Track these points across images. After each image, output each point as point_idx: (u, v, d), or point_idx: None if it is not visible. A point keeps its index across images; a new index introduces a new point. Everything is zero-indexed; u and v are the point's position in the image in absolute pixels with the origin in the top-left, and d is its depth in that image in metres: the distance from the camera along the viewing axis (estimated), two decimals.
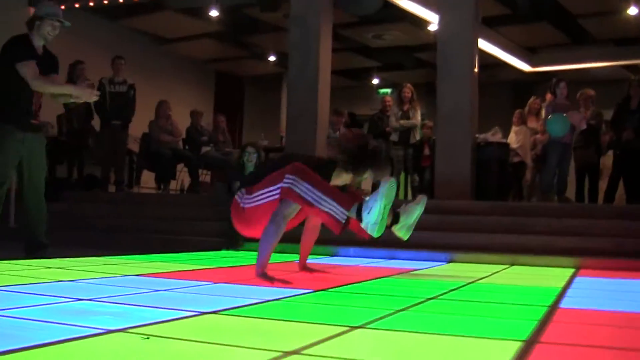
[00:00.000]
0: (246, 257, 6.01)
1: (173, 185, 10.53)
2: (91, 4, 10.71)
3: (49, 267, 4.30)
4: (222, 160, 9.89)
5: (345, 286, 3.81)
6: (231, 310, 2.68)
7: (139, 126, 10.15)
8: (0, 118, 5.19)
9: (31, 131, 5.30)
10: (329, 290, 3.55)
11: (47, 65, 5.38)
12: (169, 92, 10.64)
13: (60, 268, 4.26)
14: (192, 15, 11.72)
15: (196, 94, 14.56)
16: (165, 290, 3.32)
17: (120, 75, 9.74)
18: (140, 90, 10.02)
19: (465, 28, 8.54)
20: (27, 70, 5.13)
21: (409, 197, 10.54)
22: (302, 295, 3.25)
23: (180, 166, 10.27)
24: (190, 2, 10.98)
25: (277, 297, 3.12)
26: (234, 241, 6.98)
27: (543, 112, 9.52)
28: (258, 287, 3.54)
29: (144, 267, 4.61)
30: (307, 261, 4.60)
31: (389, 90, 15.24)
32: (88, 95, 5.35)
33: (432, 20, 9.54)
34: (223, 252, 6.65)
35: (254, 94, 16.57)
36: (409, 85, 10.12)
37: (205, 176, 11.22)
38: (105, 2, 10.58)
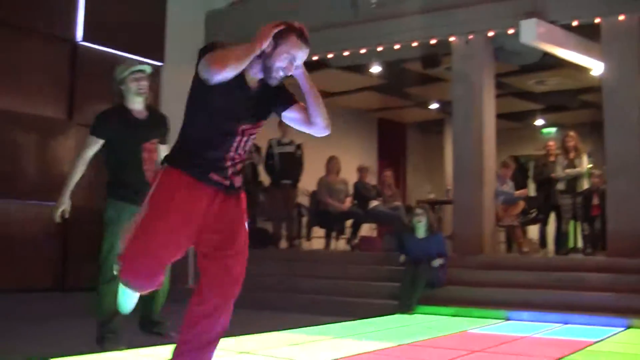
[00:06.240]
0: (421, 325, 6.14)
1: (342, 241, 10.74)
2: None
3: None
4: (390, 215, 10.02)
5: None
6: None
7: (308, 183, 10.55)
8: (113, 196, 4.80)
9: None
10: None
11: (152, 128, 4.94)
12: (334, 144, 10.80)
13: (244, 352, 4.57)
14: (354, 71, 12.06)
15: (360, 142, 14.88)
16: None
17: (288, 135, 10.05)
18: (307, 146, 10.38)
19: (630, 77, 8.26)
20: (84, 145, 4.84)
21: (579, 245, 10.30)
22: None
23: (349, 222, 10.50)
24: (352, 60, 11.31)
25: None
26: (405, 304, 7.13)
27: None
28: None
29: (329, 347, 4.85)
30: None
31: (553, 130, 15.01)
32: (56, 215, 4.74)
33: (594, 67, 9.32)
34: (396, 318, 6.81)
35: (416, 139, 16.71)
36: (571, 134, 9.95)
37: (373, 231, 11.44)
38: None
